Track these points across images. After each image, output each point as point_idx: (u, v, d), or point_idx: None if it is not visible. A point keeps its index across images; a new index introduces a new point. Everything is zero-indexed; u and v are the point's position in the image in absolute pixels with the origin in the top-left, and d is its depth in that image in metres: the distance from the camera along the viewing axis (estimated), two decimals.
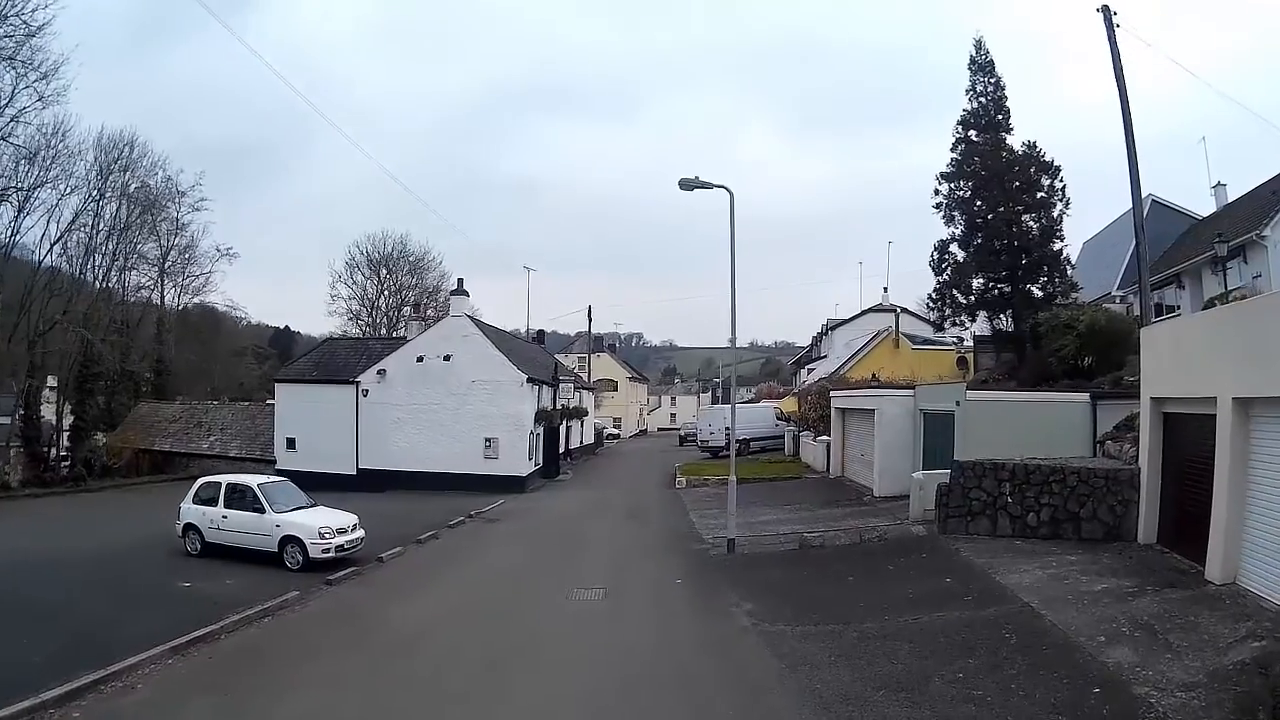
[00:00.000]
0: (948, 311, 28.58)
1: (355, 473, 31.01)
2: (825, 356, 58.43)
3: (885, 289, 53.80)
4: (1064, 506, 14.28)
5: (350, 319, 65.03)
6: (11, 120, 30.48)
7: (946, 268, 28.29)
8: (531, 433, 30.52)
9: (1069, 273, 27.58)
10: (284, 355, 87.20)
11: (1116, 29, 18.36)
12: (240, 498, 16.50)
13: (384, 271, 64.75)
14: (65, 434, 38.20)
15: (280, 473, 31.88)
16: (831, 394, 27.72)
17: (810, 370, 63.23)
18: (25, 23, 28.70)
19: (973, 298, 27.87)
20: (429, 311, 63.78)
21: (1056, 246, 27.14)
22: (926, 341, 38.38)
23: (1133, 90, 18.40)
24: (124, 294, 44.89)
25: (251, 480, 17.11)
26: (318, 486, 29.44)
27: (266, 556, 15.81)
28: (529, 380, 29.85)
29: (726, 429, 37.34)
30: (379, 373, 30.89)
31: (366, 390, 31.10)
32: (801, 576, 13.70)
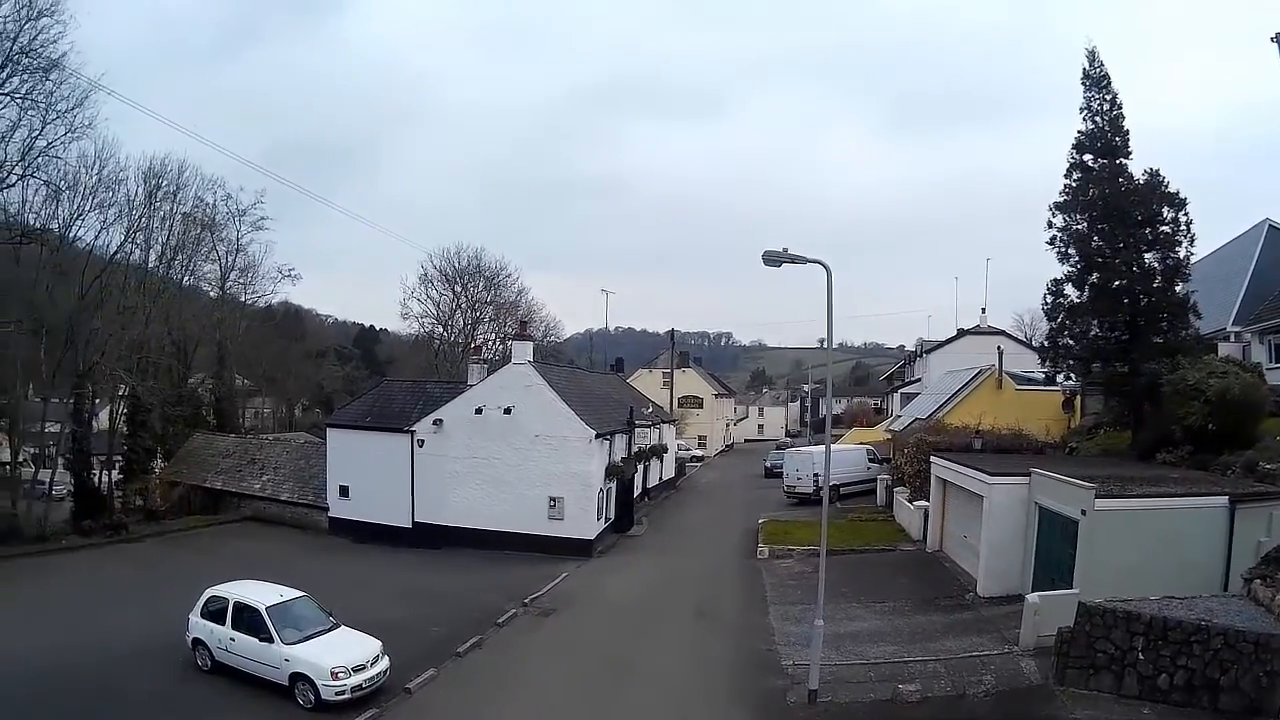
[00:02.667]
0: (1061, 363, 25.47)
1: (410, 526, 29.95)
2: (919, 379, 55.04)
3: (983, 309, 50.20)
4: (1202, 671, 11.85)
5: (425, 333, 64.67)
6: (39, 155, 29.46)
7: (1061, 313, 25.20)
8: (601, 490, 28.80)
9: (1194, 322, 24.05)
10: (368, 355, 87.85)
11: None
12: (248, 621, 15.04)
13: (457, 287, 63.33)
14: (117, 468, 37.83)
15: (333, 521, 32.03)
16: (932, 458, 24.96)
17: (903, 393, 59.78)
18: (44, 57, 27.87)
19: (1086, 346, 24.65)
20: (509, 326, 63.53)
21: (1181, 290, 23.84)
22: (1029, 380, 34.95)
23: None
24: (180, 319, 44.74)
25: (261, 601, 15.36)
26: (373, 538, 29.79)
27: (278, 687, 14.46)
28: (598, 436, 28.05)
29: (815, 474, 35.12)
30: (435, 423, 29.58)
31: (422, 440, 29.84)
32: None
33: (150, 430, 38.95)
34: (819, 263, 13.60)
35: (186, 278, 47.59)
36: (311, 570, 25.11)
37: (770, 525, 29.65)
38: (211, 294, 52.10)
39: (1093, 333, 24.59)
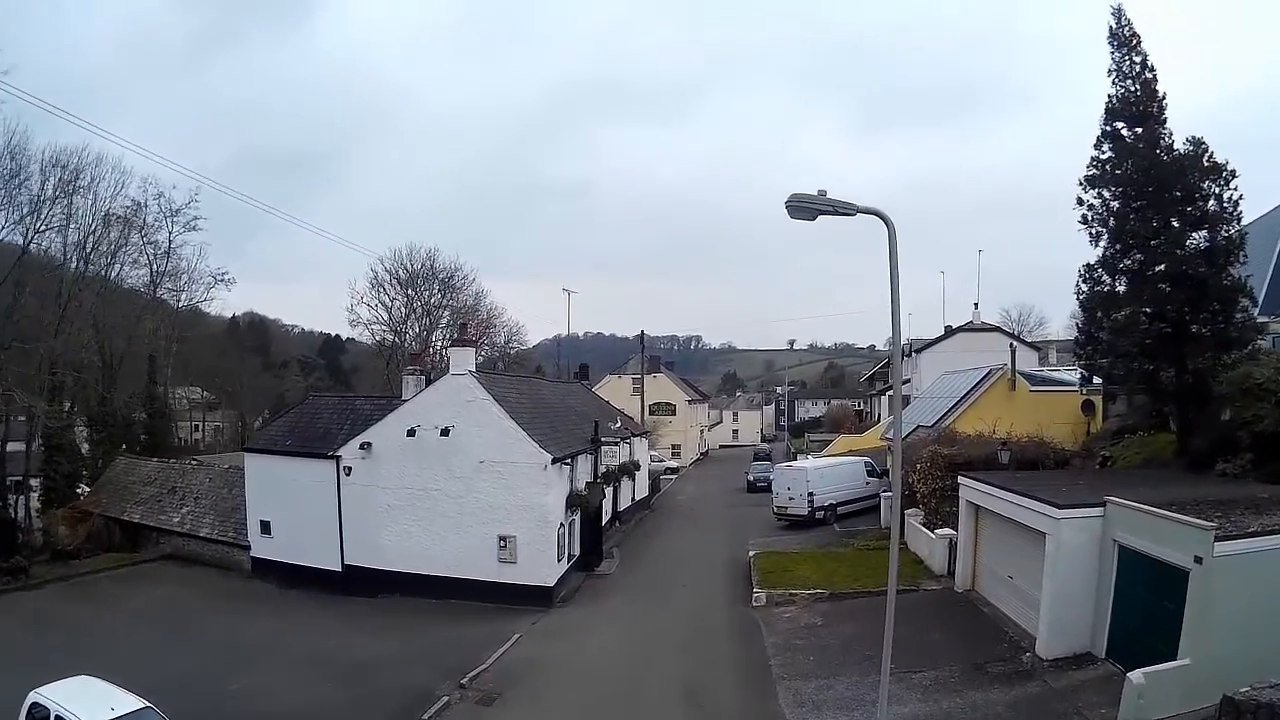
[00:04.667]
0: (1100, 360, 21.69)
1: (340, 569, 25.36)
2: (908, 380, 51.41)
3: (976, 305, 47.02)
4: None
5: (376, 341, 60.35)
6: None
7: (1096, 302, 21.51)
8: (562, 525, 24.27)
9: (1251, 311, 20.44)
10: (332, 366, 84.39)
11: None
12: None
13: (410, 291, 58.84)
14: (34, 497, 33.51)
15: (257, 562, 27.26)
16: (960, 479, 20.86)
17: (892, 395, 55.88)
18: None
19: (1126, 339, 20.96)
20: (470, 332, 59.13)
21: (1235, 273, 20.23)
22: (1044, 380, 31.21)
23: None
24: (104, 328, 40.63)
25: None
26: (301, 582, 25.42)
27: None
28: (555, 461, 23.51)
29: (810, 494, 31.06)
30: (363, 446, 24.88)
31: (349, 468, 25.15)
32: None
33: (68, 453, 34.59)
34: (874, 213, 9.37)
35: (109, 283, 43.42)
36: (214, 630, 21.32)
37: (764, 559, 25.23)
38: (142, 299, 48.00)
39: (1138, 323, 20.91)
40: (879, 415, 59.75)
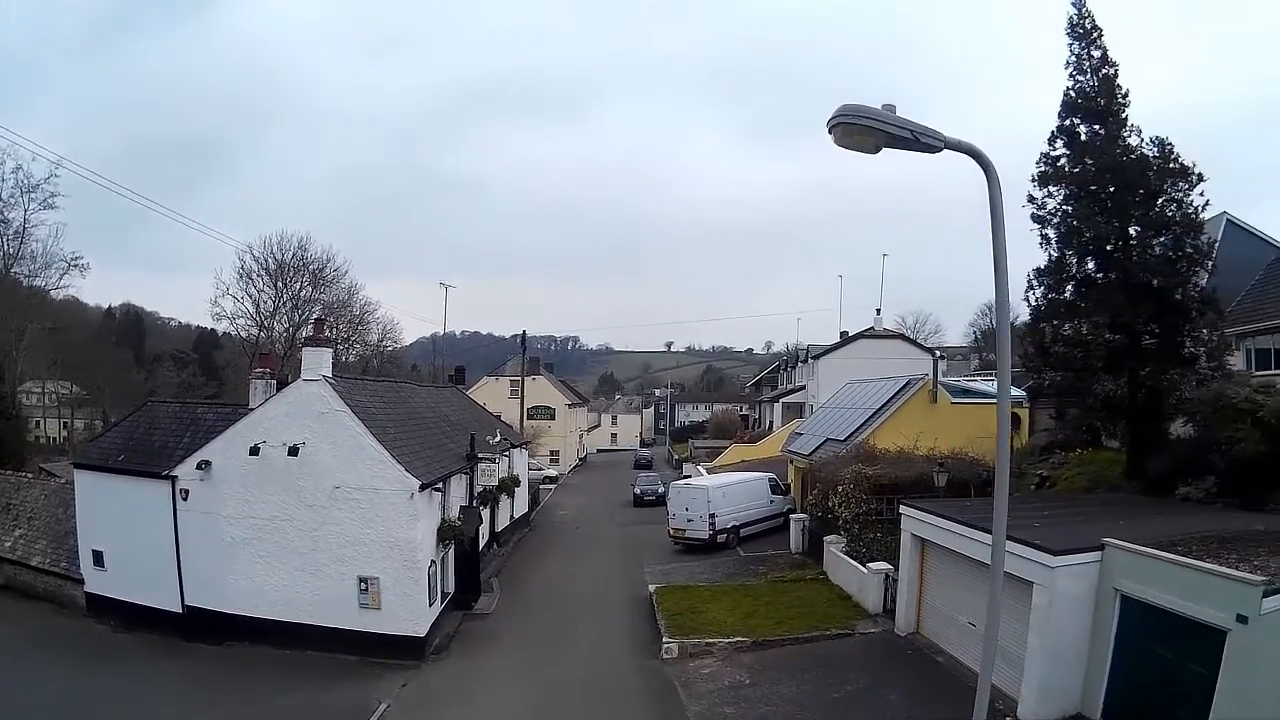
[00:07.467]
0: (1048, 374, 19.76)
1: (182, 611, 20.43)
2: (803, 387, 49.81)
3: (879, 310, 45.86)
4: None
5: (241, 337, 54.70)
6: None
7: (1046, 311, 19.65)
8: (433, 562, 20.05)
9: (1219, 325, 19.07)
10: (206, 361, 76.77)
11: None
12: None
13: (280, 283, 53.14)
14: None
15: (91, 599, 22.23)
16: (904, 510, 18.21)
17: (785, 403, 54.29)
18: None
19: (1080, 353, 19.17)
20: (340, 327, 53.59)
21: (1200, 284, 18.85)
22: (965, 392, 29.57)
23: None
24: None
25: None
26: (140, 624, 20.85)
27: None
28: (425, 487, 19.27)
29: (711, 516, 28.04)
30: (201, 465, 20.04)
31: (186, 490, 20.26)
32: None
33: None
34: (969, 150, 6.02)
35: None
36: (10, 696, 16.47)
37: (669, 596, 21.81)
38: None
39: (1093, 336, 19.11)
40: (771, 423, 57.99)
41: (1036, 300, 19.72)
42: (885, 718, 13.72)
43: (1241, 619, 10.02)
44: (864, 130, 5.62)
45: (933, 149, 5.94)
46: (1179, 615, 11.09)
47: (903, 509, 18.24)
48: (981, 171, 6.12)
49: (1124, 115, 18.94)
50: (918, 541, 17.55)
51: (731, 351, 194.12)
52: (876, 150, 5.84)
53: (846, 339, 44.92)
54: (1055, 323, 19.59)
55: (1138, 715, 11.75)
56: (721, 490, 29.29)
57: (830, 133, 5.70)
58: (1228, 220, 26.04)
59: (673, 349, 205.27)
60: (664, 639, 18.37)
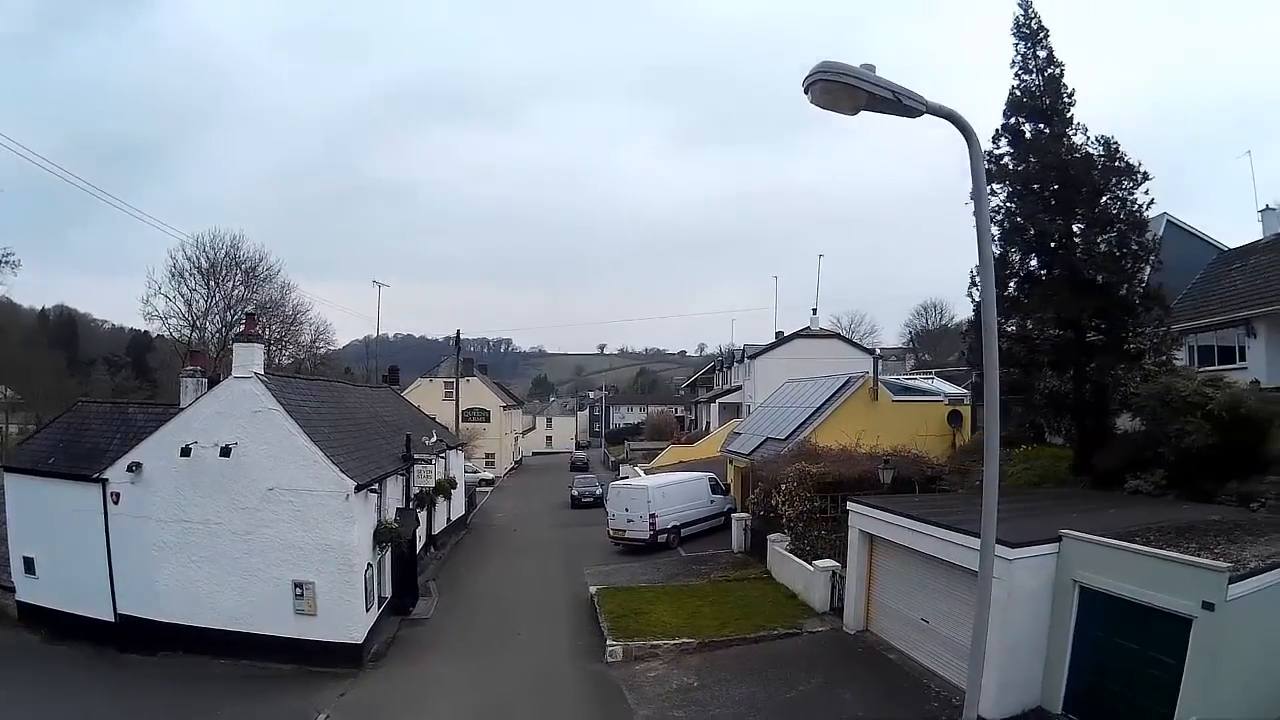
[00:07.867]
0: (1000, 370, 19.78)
1: (114, 619, 19.40)
2: (739, 387, 49.83)
3: (815, 310, 46.19)
4: None
5: (173, 338, 52.17)
6: None
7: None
8: (370, 565, 19.06)
9: (1166, 321, 19.45)
10: (139, 364, 74.43)
11: None
12: None
13: (212, 282, 51.40)
14: None
15: (23, 608, 21.08)
16: (850, 506, 17.96)
17: (722, 403, 54.26)
18: None
19: (1024, 347, 19.38)
20: (273, 328, 51.31)
21: (1145, 280, 19.21)
22: (906, 390, 29.76)
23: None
24: None
25: None
26: (72, 633, 19.84)
27: None
28: (361, 488, 18.32)
29: (652, 516, 27.56)
30: (131, 467, 18.97)
31: (116, 494, 19.19)
32: None
33: None
34: (948, 115, 5.70)
35: None
36: None
37: (610, 598, 21.21)
38: None
39: (1038, 332, 19.32)
40: (708, 423, 57.92)
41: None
42: (841, 717, 13.40)
43: (1208, 606, 10.01)
44: (844, 89, 5.18)
45: (914, 112, 5.68)
46: (1141, 605, 11.06)
47: (850, 505, 17.98)
48: (962, 138, 5.91)
49: (1069, 114, 19.24)
50: (866, 538, 17.33)
51: (665, 354, 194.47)
52: (854, 112, 5.50)
53: (783, 339, 45.07)
54: (999, 319, 19.70)
55: (1100, 706, 11.67)
56: (662, 490, 28.88)
57: (807, 92, 5.38)
58: (1168, 221, 26.89)
59: (606, 351, 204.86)
60: (608, 642, 17.76)
